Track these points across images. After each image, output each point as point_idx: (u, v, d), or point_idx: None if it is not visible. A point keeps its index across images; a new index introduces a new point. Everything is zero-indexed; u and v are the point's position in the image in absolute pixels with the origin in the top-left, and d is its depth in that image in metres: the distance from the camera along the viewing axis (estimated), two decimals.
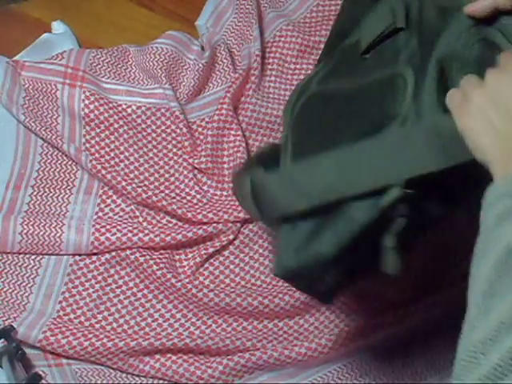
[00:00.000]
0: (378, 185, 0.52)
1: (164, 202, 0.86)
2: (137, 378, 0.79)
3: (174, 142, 0.93)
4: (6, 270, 0.83)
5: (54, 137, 0.88)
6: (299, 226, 0.57)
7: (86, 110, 0.92)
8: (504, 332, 0.38)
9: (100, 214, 0.87)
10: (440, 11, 0.57)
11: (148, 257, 0.82)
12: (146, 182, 0.90)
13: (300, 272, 0.57)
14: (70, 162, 0.90)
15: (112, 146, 0.91)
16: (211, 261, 0.87)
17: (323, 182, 0.55)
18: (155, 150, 0.93)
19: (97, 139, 0.91)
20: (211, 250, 0.86)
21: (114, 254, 0.83)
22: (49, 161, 0.90)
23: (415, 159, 0.51)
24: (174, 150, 0.93)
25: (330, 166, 0.55)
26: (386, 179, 0.52)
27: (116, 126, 0.92)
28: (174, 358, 0.79)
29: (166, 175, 0.91)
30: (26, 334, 0.75)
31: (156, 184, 0.90)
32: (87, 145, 0.91)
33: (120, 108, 0.94)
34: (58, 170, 0.90)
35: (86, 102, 0.92)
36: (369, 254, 0.56)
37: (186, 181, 0.91)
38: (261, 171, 0.61)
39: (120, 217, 0.87)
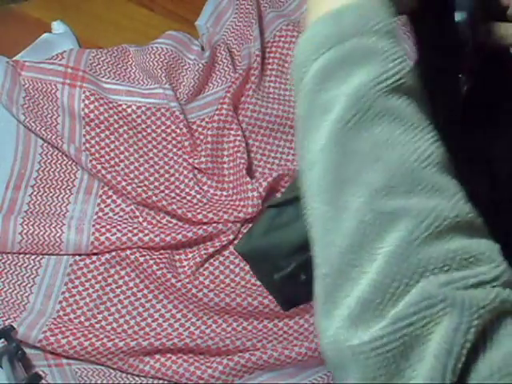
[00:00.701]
0: None
1: (164, 202, 0.86)
2: (137, 378, 0.79)
3: (174, 142, 0.93)
4: (5, 270, 0.82)
5: (54, 137, 0.88)
6: (285, 212, 0.56)
7: (86, 110, 0.92)
8: (371, 232, 0.30)
9: (100, 213, 0.87)
10: None
11: (148, 257, 0.82)
12: (146, 182, 0.90)
13: (259, 254, 0.56)
14: (69, 162, 0.90)
15: (112, 146, 0.91)
16: (211, 261, 0.87)
17: None
18: (155, 150, 0.93)
19: (97, 139, 0.91)
20: (211, 250, 0.86)
21: (114, 253, 0.83)
22: (49, 161, 0.90)
23: None
24: (174, 149, 0.93)
25: None
26: None
27: (116, 126, 0.92)
28: (174, 357, 0.79)
29: (166, 175, 0.91)
30: (25, 334, 0.75)
31: (156, 184, 0.90)
32: (87, 145, 0.91)
33: (120, 108, 0.94)
34: (58, 170, 0.90)
35: (86, 101, 0.92)
36: None
37: (186, 181, 0.91)
38: None
39: (120, 217, 0.87)
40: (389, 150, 0.31)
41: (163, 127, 0.94)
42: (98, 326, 0.81)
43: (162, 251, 0.84)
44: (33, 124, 0.88)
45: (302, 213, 0.54)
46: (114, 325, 0.81)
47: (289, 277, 0.55)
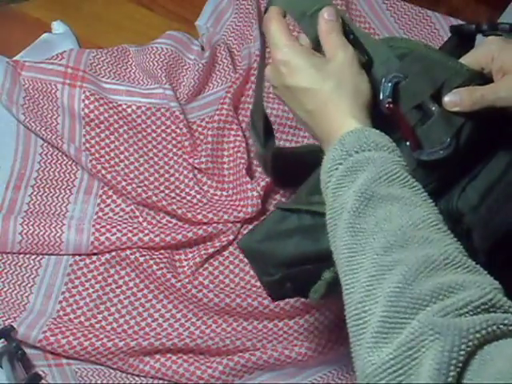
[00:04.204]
0: None
1: (164, 202, 0.86)
2: (137, 378, 0.79)
3: (174, 141, 0.93)
4: (6, 270, 0.83)
5: (54, 137, 0.88)
6: (288, 219, 0.60)
7: (86, 110, 0.92)
8: (375, 282, 0.39)
9: (100, 213, 0.87)
10: None
11: (148, 257, 0.82)
12: (146, 182, 0.90)
13: (254, 256, 0.63)
14: (70, 162, 0.90)
15: (112, 146, 0.91)
16: (211, 261, 0.87)
17: None
18: (155, 150, 0.93)
19: (97, 139, 0.91)
20: (211, 250, 0.86)
21: (113, 253, 0.83)
22: (49, 161, 0.90)
23: None
24: (174, 149, 0.93)
25: None
26: None
27: (116, 126, 0.92)
28: (174, 358, 0.79)
29: (166, 175, 0.91)
30: (25, 334, 0.75)
31: (156, 184, 0.90)
32: (87, 145, 0.91)
33: (120, 108, 0.94)
34: (58, 170, 0.90)
35: (86, 101, 0.92)
36: (310, 277, 0.59)
37: (186, 181, 0.91)
38: None
39: (120, 217, 0.87)
40: (388, 223, 0.42)
41: (163, 127, 0.94)
42: (98, 325, 0.81)
43: (162, 251, 0.84)
44: (33, 124, 0.88)
45: (301, 225, 0.58)
46: (114, 325, 0.81)
47: (275, 283, 0.61)
